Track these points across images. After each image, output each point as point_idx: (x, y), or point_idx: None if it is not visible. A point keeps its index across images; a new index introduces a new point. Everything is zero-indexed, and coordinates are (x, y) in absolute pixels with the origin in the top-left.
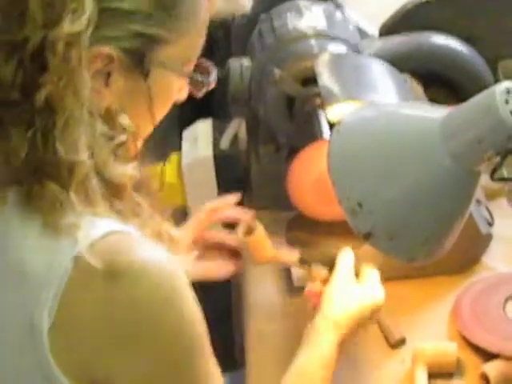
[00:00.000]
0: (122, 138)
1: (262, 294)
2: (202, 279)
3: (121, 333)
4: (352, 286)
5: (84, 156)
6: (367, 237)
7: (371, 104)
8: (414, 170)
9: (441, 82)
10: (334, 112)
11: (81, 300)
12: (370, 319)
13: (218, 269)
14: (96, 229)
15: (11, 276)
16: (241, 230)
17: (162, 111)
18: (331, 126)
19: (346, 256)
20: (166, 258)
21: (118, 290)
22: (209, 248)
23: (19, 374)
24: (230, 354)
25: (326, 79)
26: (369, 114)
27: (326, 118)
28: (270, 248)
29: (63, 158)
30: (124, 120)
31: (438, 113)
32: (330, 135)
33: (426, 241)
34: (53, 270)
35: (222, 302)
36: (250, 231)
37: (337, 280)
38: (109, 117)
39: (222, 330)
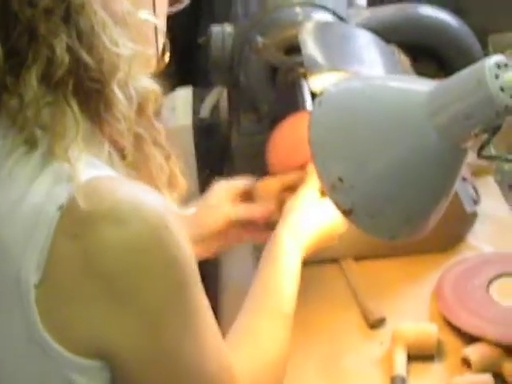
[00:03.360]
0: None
1: (238, 270)
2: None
3: (115, 283)
4: (318, 202)
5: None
6: (347, 213)
7: (356, 75)
8: (398, 144)
9: (429, 55)
10: (317, 82)
11: (69, 250)
12: (329, 238)
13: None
14: (88, 172)
15: None
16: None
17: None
18: (314, 96)
19: (311, 170)
20: (157, 199)
21: (106, 232)
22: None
23: (7, 338)
24: None
25: (310, 48)
26: (353, 86)
27: (309, 89)
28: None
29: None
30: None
31: (425, 86)
32: (312, 106)
33: (408, 219)
34: (42, 216)
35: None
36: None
37: (305, 190)
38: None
39: None
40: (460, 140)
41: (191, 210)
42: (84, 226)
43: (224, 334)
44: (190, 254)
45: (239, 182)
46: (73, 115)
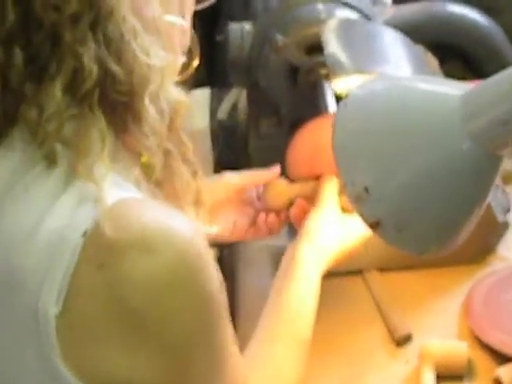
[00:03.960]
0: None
1: (255, 277)
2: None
3: (143, 317)
4: (340, 217)
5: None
6: (374, 226)
7: (383, 77)
8: (429, 152)
9: (456, 56)
10: (340, 84)
11: (93, 280)
12: (349, 254)
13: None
14: (114, 193)
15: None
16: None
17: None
18: (337, 99)
19: (331, 183)
20: (187, 223)
21: (134, 262)
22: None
23: (20, 374)
24: None
25: (334, 47)
26: (380, 88)
27: (332, 91)
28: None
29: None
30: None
31: (457, 89)
32: (337, 109)
33: (439, 232)
34: (64, 242)
35: None
36: None
37: (325, 206)
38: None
39: None
40: (495, 147)
41: (215, 228)
42: (110, 255)
43: (241, 347)
44: (221, 283)
45: (247, 177)
46: (99, 130)
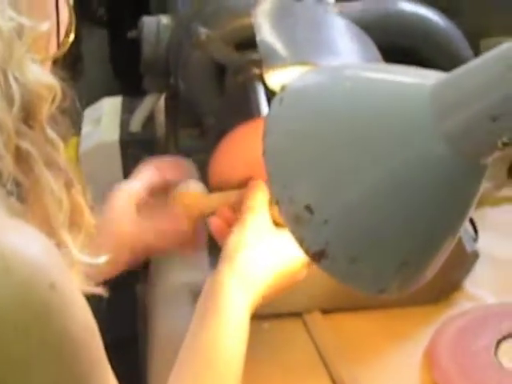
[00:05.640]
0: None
1: (172, 320)
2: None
3: None
4: (272, 235)
5: None
6: (318, 257)
7: (329, 68)
8: (391, 160)
9: (411, 60)
10: (275, 78)
11: None
12: (286, 284)
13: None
14: None
15: None
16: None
17: None
18: (271, 99)
19: (260, 190)
20: (35, 243)
21: None
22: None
23: None
24: None
25: (267, 33)
26: (326, 79)
27: (265, 92)
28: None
29: None
30: None
31: (427, 79)
32: (270, 107)
33: (403, 264)
34: None
35: (126, 327)
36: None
37: (253, 219)
38: None
39: (126, 360)
40: (479, 153)
41: (103, 258)
42: None
43: None
44: (88, 327)
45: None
46: None
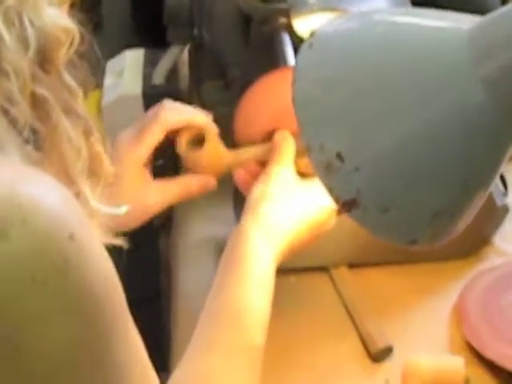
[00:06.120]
0: None
1: (196, 275)
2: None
3: None
4: (298, 186)
5: None
6: (349, 206)
7: (359, 12)
8: (426, 105)
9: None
10: (303, 25)
11: None
12: (313, 237)
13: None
14: None
15: None
16: (184, 141)
17: None
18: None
19: (287, 142)
20: (52, 191)
21: None
22: None
23: None
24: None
25: None
26: (356, 24)
27: (292, 42)
28: (226, 154)
29: None
30: None
31: (463, 23)
32: (299, 53)
33: (436, 214)
34: None
35: (149, 283)
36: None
37: (278, 170)
38: None
39: (149, 317)
40: None
41: (123, 208)
42: None
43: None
44: (110, 278)
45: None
46: None
